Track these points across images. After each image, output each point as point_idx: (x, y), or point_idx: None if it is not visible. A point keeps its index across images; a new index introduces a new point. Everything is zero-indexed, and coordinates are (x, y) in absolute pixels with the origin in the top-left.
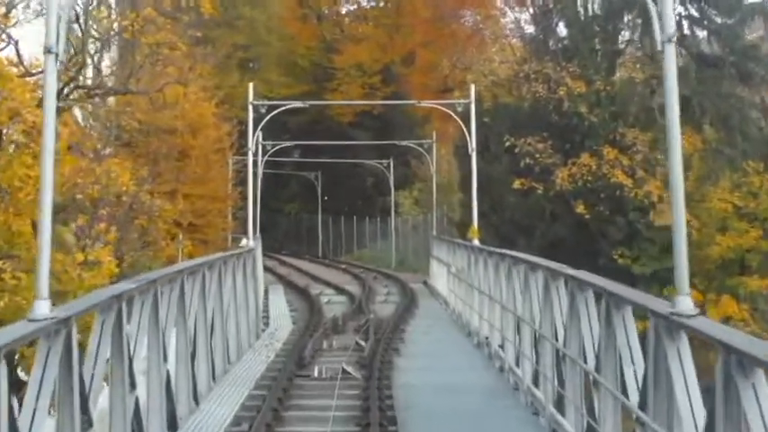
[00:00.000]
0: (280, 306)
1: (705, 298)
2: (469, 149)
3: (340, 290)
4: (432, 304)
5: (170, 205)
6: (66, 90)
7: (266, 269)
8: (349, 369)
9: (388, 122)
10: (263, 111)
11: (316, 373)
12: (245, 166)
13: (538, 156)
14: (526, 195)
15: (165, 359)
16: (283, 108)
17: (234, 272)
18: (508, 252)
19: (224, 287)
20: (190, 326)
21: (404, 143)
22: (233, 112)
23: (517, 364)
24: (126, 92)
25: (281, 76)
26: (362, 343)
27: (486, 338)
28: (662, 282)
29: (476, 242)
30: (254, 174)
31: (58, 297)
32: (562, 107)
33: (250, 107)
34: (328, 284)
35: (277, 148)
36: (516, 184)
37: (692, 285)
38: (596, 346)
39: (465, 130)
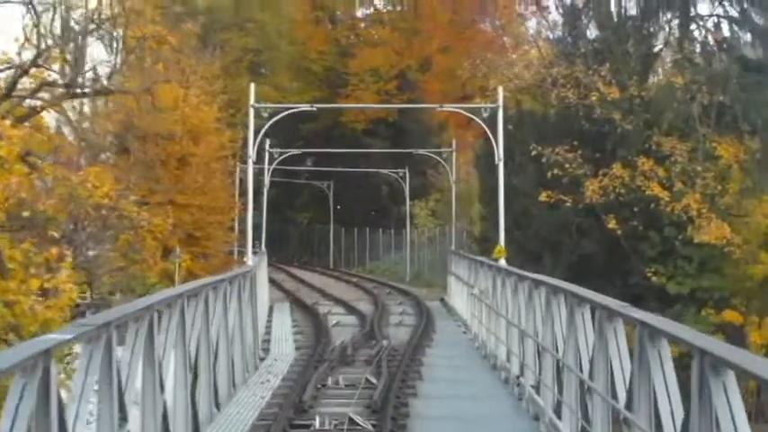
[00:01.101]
0: (283, 328)
1: (746, 320)
2: (496, 159)
3: (350, 308)
4: (450, 327)
5: (161, 218)
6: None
7: (273, 283)
8: (357, 419)
9: (403, 130)
10: (266, 115)
11: (317, 424)
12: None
13: (567, 166)
14: (553, 209)
15: (121, 413)
16: (288, 112)
17: (226, 299)
18: (545, 279)
19: (213, 319)
20: (168, 370)
21: (421, 152)
22: (239, 118)
23: (558, 414)
24: (108, 91)
25: (292, 81)
26: (373, 380)
27: (518, 378)
28: (700, 302)
29: (502, 262)
30: (260, 183)
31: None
32: (593, 114)
33: (251, 110)
34: (338, 302)
35: (286, 155)
36: (543, 197)
37: (731, 306)
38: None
39: (491, 137)
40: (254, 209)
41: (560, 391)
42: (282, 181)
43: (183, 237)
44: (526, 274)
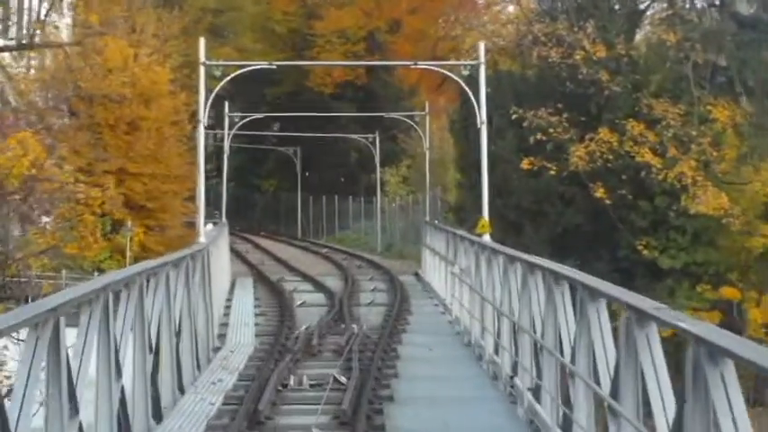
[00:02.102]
0: (244, 310)
1: (744, 296)
2: (478, 121)
3: (318, 285)
4: (427, 307)
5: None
6: None
7: (237, 255)
8: None
9: (372, 95)
10: (219, 73)
11: None
12: (216, 140)
13: (551, 130)
14: (535, 177)
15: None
16: (244, 71)
17: (170, 286)
18: (540, 261)
19: (153, 311)
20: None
21: (392, 115)
22: (196, 80)
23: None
24: (26, 46)
25: (255, 43)
26: (343, 380)
27: (511, 378)
28: (694, 277)
29: (486, 238)
30: (219, 149)
31: None
32: (577, 74)
33: (201, 69)
34: (305, 277)
35: (247, 119)
36: (524, 164)
37: (728, 282)
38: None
39: (473, 97)
40: (215, 177)
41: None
42: (247, 147)
43: (135, 208)
44: (520, 255)
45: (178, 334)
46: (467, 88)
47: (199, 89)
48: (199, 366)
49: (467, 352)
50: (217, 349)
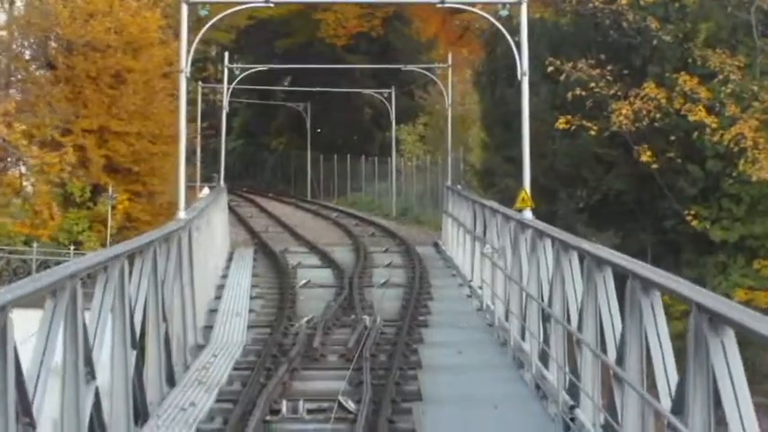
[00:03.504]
0: (238, 293)
1: None
2: (518, 72)
3: (326, 259)
4: (451, 290)
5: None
6: None
7: (240, 221)
8: None
9: (387, 47)
10: (205, 12)
11: None
12: (214, 94)
13: (592, 85)
14: (571, 137)
15: None
16: (233, 11)
17: (134, 278)
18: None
19: (103, 317)
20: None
21: (411, 67)
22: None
23: None
24: None
25: None
26: (350, 406)
27: (572, 409)
28: (750, 252)
29: (528, 214)
30: (216, 105)
31: None
32: (621, 22)
33: (183, 7)
34: (312, 248)
35: (248, 72)
36: (561, 123)
37: None
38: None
39: (512, 43)
40: (215, 135)
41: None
42: (255, 103)
43: (120, 172)
44: (573, 239)
45: (141, 347)
46: (505, 31)
47: (180, 32)
48: (172, 379)
49: (504, 357)
50: (199, 348)
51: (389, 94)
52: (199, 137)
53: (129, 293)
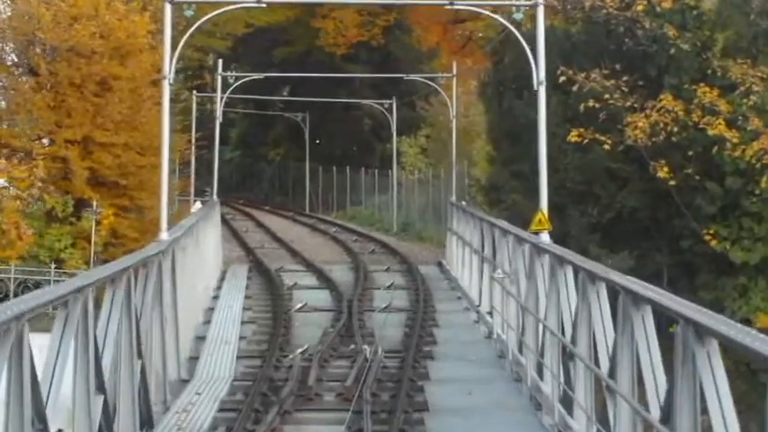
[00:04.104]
0: (229, 317)
1: None
2: (534, 81)
3: (323, 278)
4: (457, 315)
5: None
6: None
7: (235, 236)
8: None
9: (388, 57)
10: (191, 13)
11: None
12: (210, 103)
13: (606, 96)
14: (583, 151)
15: None
16: (221, 11)
17: (104, 313)
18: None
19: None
20: None
21: (414, 77)
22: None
23: None
24: None
25: None
26: None
27: None
28: None
29: (545, 237)
30: (208, 114)
31: None
32: (635, 29)
33: (167, 7)
34: (308, 266)
35: (244, 81)
36: (573, 136)
37: None
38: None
39: (528, 50)
40: (209, 146)
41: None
42: (253, 113)
43: (105, 185)
44: (600, 268)
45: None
46: (519, 35)
47: (164, 34)
48: (150, 421)
49: (519, 397)
50: (183, 383)
51: (390, 104)
52: (193, 148)
53: (96, 331)
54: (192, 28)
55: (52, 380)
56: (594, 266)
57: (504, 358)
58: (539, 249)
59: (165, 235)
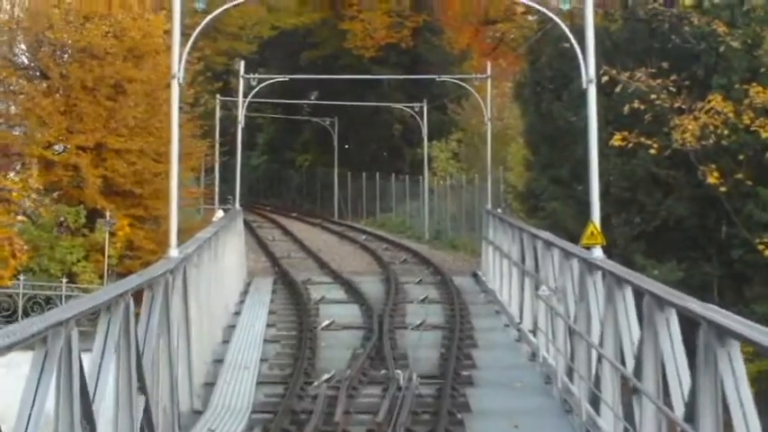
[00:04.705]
0: (250, 338)
1: None
2: (583, 78)
3: (352, 292)
4: (496, 334)
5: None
6: None
7: (260, 245)
8: None
9: (418, 58)
10: (202, 5)
11: None
12: (232, 108)
13: (654, 97)
14: (627, 156)
15: None
16: (232, 4)
17: (113, 338)
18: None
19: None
20: None
21: (446, 78)
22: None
23: None
24: None
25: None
26: None
27: None
28: None
29: (597, 252)
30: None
31: None
32: (680, 27)
33: (176, 2)
34: (336, 278)
35: (267, 84)
36: (616, 140)
37: None
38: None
39: (575, 45)
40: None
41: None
42: (280, 118)
43: (119, 194)
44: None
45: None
46: (568, 31)
47: (172, 29)
48: None
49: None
50: (196, 416)
51: (420, 108)
52: (216, 153)
53: (84, 369)
54: (205, 21)
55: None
56: (663, 290)
57: (551, 384)
58: (591, 266)
59: (174, 252)
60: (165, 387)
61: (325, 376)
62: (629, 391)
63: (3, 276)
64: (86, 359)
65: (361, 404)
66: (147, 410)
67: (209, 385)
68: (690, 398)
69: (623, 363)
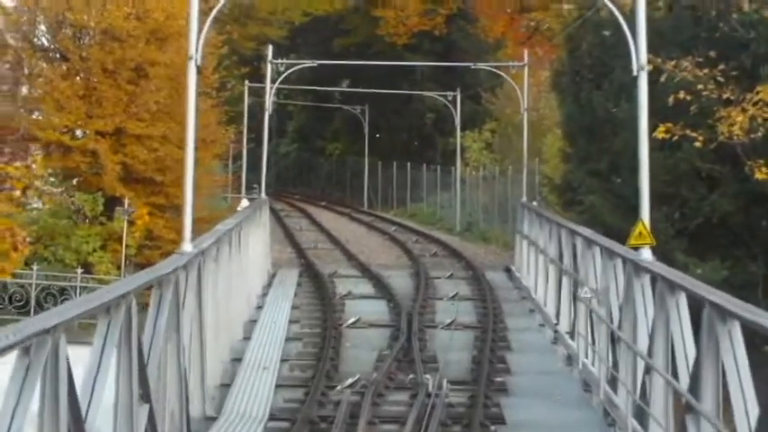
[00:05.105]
0: (271, 335)
1: None
2: (634, 64)
3: (380, 286)
4: (531, 335)
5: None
6: None
7: (287, 235)
8: None
9: (451, 46)
10: None
11: None
12: (259, 96)
13: (701, 87)
14: (670, 149)
15: None
16: None
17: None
18: None
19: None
20: None
21: (482, 66)
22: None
23: None
24: None
25: None
26: None
27: None
28: None
29: (646, 254)
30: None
31: None
32: (727, 15)
33: None
34: (365, 271)
35: (296, 69)
36: (660, 132)
37: None
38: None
39: (626, 29)
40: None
41: None
42: (311, 105)
43: (139, 182)
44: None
45: None
46: (618, 13)
47: (190, 9)
48: None
49: None
50: (208, 422)
51: (454, 97)
52: (244, 140)
53: (79, 378)
54: (223, 1)
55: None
56: (725, 299)
57: (590, 392)
58: (639, 268)
59: (188, 246)
60: (174, 392)
61: (349, 381)
62: (683, 409)
63: (4, 270)
64: (82, 365)
65: (387, 413)
66: (151, 419)
67: (226, 387)
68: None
69: (676, 376)
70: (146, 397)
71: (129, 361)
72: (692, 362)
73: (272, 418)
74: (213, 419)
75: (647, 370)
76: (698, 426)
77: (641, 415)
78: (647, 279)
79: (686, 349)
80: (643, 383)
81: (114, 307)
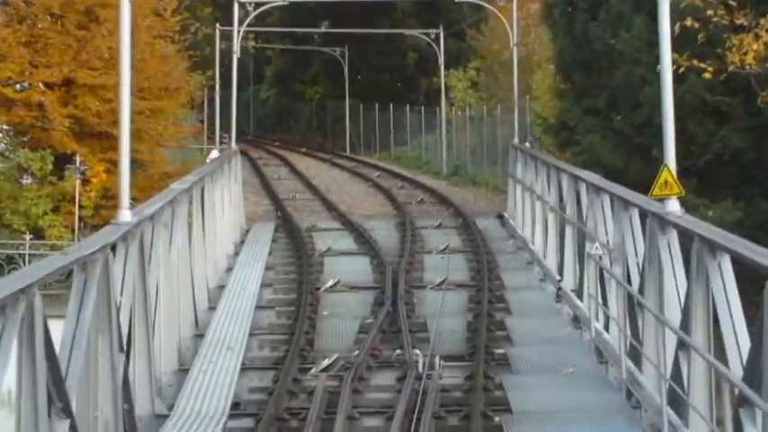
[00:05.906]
0: (239, 306)
1: None
2: None
3: (363, 241)
4: (532, 293)
5: None
6: None
7: (264, 185)
8: None
9: None
10: None
11: None
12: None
13: (710, 13)
14: (674, 82)
15: None
16: None
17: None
18: None
19: None
20: None
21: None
22: None
23: None
24: None
25: None
26: None
27: None
28: None
29: (673, 206)
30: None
31: None
32: None
33: None
34: (346, 223)
35: (262, 8)
36: None
37: None
38: None
39: None
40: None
41: None
42: (287, 49)
43: (93, 137)
44: None
45: None
46: None
47: None
48: None
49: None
50: (159, 421)
51: (437, 34)
52: (217, 87)
53: None
54: None
55: None
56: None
57: (606, 364)
58: (664, 222)
59: (126, 214)
60: (107, 399)
61: (326, 362)
62: (735, 400)
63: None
64: None
65: (370, 402)
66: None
67: (183, 373)
68: None
69: (723, 360)
70: (67, 411)
71: (33, 372)
72: (742, 341)
73: (232, 415)
74: (165, 418)
75: (680, 345)
76: (755, 420)
77: (675, 401)
78: (674, 235)
79: (735, 326)
80: (676, 360)
81: (10, 307)
